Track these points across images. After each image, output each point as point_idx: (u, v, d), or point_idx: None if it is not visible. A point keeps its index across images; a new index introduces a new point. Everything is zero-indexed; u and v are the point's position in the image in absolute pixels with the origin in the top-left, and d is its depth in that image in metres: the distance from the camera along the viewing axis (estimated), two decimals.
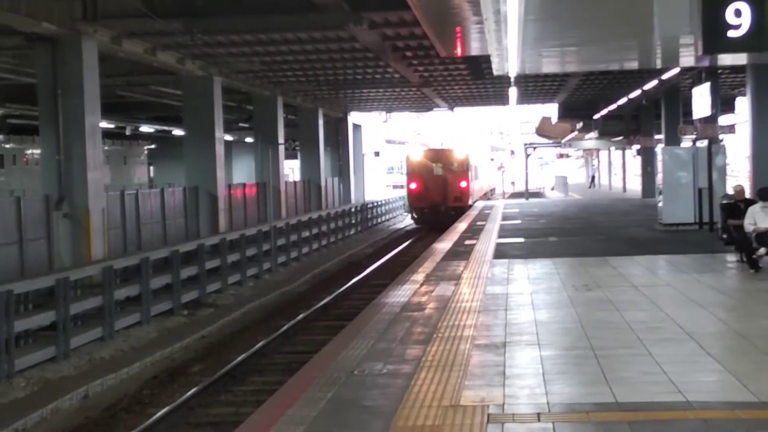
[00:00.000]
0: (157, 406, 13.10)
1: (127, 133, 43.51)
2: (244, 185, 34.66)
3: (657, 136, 45.73)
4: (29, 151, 38.41)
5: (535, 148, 64.28)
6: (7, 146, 37.49)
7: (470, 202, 45.54)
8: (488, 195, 64.49)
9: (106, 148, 37.10)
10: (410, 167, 45.35)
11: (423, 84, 35.98)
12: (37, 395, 13.57)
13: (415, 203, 45.11)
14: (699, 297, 12.95)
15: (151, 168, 53.43)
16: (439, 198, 43.65)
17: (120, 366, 15.36)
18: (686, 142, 36.76)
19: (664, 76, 31.83)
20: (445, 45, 20.17)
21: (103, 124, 26.18)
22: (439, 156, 45.53)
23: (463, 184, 44.23)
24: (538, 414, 7.16)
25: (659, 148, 29.29)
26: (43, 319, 15.60)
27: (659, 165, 25.85)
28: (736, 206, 16.38)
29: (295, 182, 42.23)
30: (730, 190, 18.98)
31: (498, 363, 9.00)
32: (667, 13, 15.37)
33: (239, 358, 15.61)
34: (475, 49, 20.62)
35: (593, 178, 79.15)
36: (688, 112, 26.59)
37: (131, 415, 12.76)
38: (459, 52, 20.08)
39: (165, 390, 14.16)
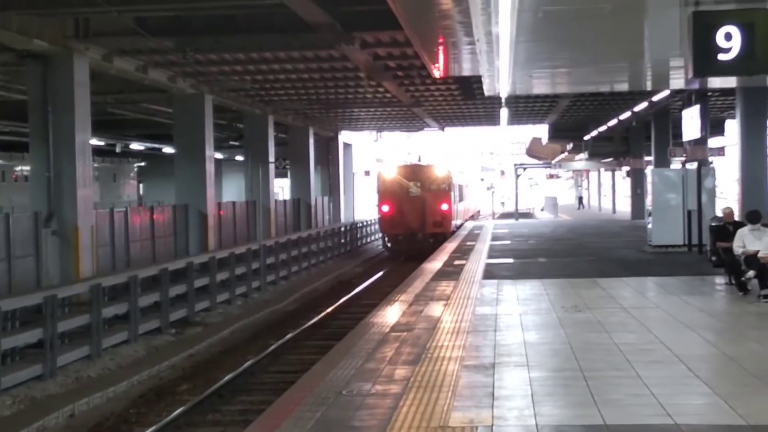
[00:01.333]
0: (144, 425, 13.02)
1: (118, 150, 43.45)
2: (234, 203, 34.61)
3: (647, 158, 45.89)
4: (18, 168, 38.33)
5: (525, 168, 64.33)
6: None
7: (453, 228, 40.13)
8: (474, 217, 60.97)
9: (95, 165, 37.04)
10: (382, 186, 39.36)
11: (414, 104, 36.05)
12: (23, 413, 13.48)
13: (388, 229, 39.15)
14: (688, 319, 12.95)
15: (141, 185, 53.36)
16: (416, 223, 38.07)
17: (107, 385, 15.27)
18: (676, 164, 36.89)
19: (655, 98, 31.97)
20: (436, 65, 20.22)
21: (94, 141, 26.13)
22: (415, 173, 39.49)
23: (444, 206, 38.46)
24: None
25: (649, 170, 29.38)
26: (30, 336, 15.52)
27: (649, 186, 25.93)
28: (725, 228, 16.41)
29: (285, 201, 42.21)
30: (719, 213, 19.02)
31: (487, 384, 8.97)
32: (657, 36, 15.45)
33: (227, 378, 15.54)
34: (466, 70, 20.67)
35: (581, 199, 79.33)
36: (678, 134, 26.73)
37: None
38: (441, 72, 20.03)
39: (152, 409, 14.09)
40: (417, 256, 31.09)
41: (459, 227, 42.91)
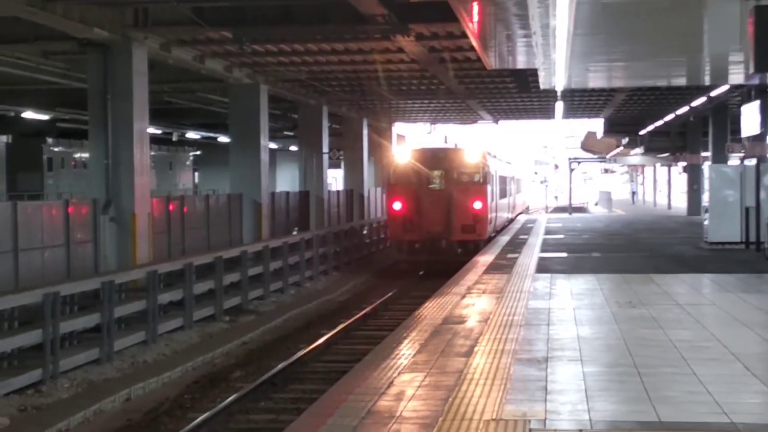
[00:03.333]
0: (198, 410, 13.19)
1: (174, 138, 43.95)
2: (287, 193, 34.82)
3: (704, 154, 45.31)
4: (77, 155, 38.91)
5: (579, 162, 63.86)
6: (56, 150, 38.02)
7: (489, 233, 30.16)
8: (524, 213, 54.50)
9: (152, 153, 37.48)
10: (393, 176, 29.74)
11: (468, 96, 35.94)
12: (80, 396, 13.72)
13: (400, 234, 29.07)
14: (745, 317, 12.80)
15: (196, 174, 53.89)
16: (439, 227, 28.53)
17: (162, 370, 15.48)
18: (734, 160, 36.39)
19: (713, 93, 31.55)
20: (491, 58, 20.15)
21: (151, 130, 26.43)
22: (439, 159, 29.56)
23: (477, 204, 28.68)
24: (581, 430, 7.12)
25: (706, 166, 29.04)
26: (88, 321, 15.77)
27: (706, 182, 25.63)
28: None
29: (338, 191, 42.31)
30: None
31: (540, 378, 8.96)
32: (717, 31, 15.28)
33: (280, 366, 15.67)
34: (521, 63, 20.60)
35: (634, 194, 78.53)
36: (737, 129, 26.44)
37: (172, 419, 12.85)
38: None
39: (206, 395, 14.26)
40: (439, 271, 24.91)
41: (500, 231, 34.03)
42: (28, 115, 34.25)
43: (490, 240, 29.65)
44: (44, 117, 35.40)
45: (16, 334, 14.08)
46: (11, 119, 35.39)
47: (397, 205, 29.09)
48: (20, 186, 35.02)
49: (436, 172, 29.27)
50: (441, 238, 28.52)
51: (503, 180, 36.23)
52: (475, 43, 18.14)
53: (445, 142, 38.37)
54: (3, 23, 20.58)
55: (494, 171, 31.83)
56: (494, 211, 31.35)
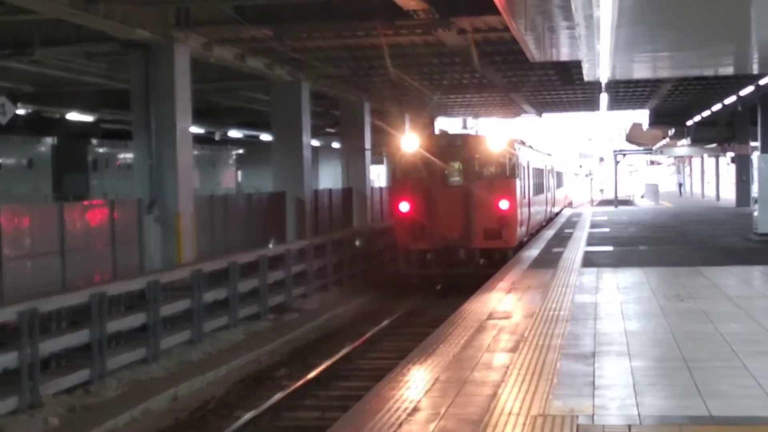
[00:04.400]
0: (244, 409, 13.20)
1: (217, 138, 44.17)
2: (330, 190, 34.84)
3: (753, 144, 44.63)
4: (121, 156, 39.26)
5: (624, 154, 63.27)
6: (100, 150, 38.38)
7: (520, 238, 25.18)
8: (565, 209, 49.70)
9: (195, 152, 37.74)
10: (400, 170, 24.79)
11: (511, 89, 35.71)
12: (127, 396, 13.80)
13: (408, 241, 24.05)
14: None
15: (239, 173, 54.14)
16: (456, 232, 23.65)
17: (208, 369, 15.53)
18: None
19: (761, 82, 31.02)
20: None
21: (194, 129, 26.55)
22: (456, 148, 24.54)
23: (503, 204, 23.75)
24: (629, 426, 7.00)
25: (755, 156, 28.59)
26: (134, 320, 15.84)
27: (755, 173, 25.24)
28: None
29: (381, 188, 42.24)
30: None
31: (587, 373, 8.83)
32: (765, 18, 14.98)
33: (325, 364, 15.64)
34: (564, 55, 20.37)
35: (681, 186, 77.72)
36: None
37: (219, 418, 12.87)
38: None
39: (252, 393, 14.27)
40: (459, 288, 20.72)
41: (536, 234, 29.36)
42: (73, 116, 34.63)
43: (521, 246, 24.52)
44: (88, 118, 35.76)
45: (63, 335, 14.18)
46: (56, 121, 35.80)
47: (403, 206, 23.85)
48: (66, 187, 35.40)
49: (453, 165, 24.13)
50: (459, 246, 23.44)
51: (539, 173, 31.64)
52: (517, 35, 17.99)
53: (464, 127, 28.95)
54: (46, 25, 20.78)
55: (526, 162, 26.95)
56: (526, 211, 26.37)
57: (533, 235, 28.75)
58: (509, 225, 23.70)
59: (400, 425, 7.21)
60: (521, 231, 25.13)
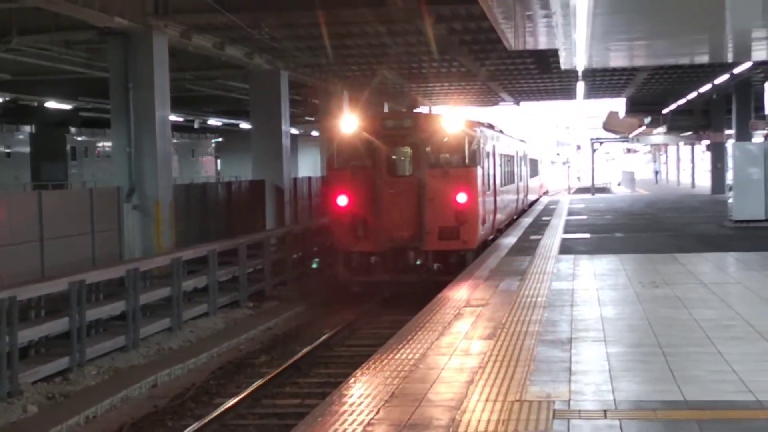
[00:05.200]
0: (224, 396, 13.27)
1: (196, 126, 44.11)
2: (309, 178, 34.88)
3: (727, 132, 45.00)
4: (100, 144, 39.12)
5: (601, 142, 63.60)
6: (79, 139, 38.24)
7: (483, 237, 21.64)
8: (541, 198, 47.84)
9: (175, 141, 37.64)
10: (338, 157, 20.80)
11: (489, 78, 35.82)
12: (107, 383, 13.83)
13: (348, 242, 20.21)
14: None
15: (219, 161, 54.05)
16: (405, 231, 19.94)
17: (188, 356, 15.57)
18: (758, 138, 36.14)
19: (736, 71, 31.29)
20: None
21: (173, 118, 26.51)
22: (405, 131, 20.48)
23: (461, 197, 20.13)
24: (605, 411, 7.11)
25: (730, 144, 28.86)
26: (113, 309, 15.87)
27: (729, 161, 25.49)
28: None
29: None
30: None
31: (564, 359, 8.95)
32: (739, 6, 15.13)
33: (304, 350, 15.73)
34: (542, 44, 20.49)
35: (657, 173, 78.22)
36: (760, 107, 26.24)
37: (198, 405, 12.94)
38: None
39: (231, 380, 14.34)
40: (408, 301, 18.00)
41: (504, 230, 25.85)
42: (51, 104, 34.48)
43: (485, 247, 21.20)
44: (67, 106, 35.62)
45: (43, 323, 14.20)
46: (34, 109, 35.66)
47: (341, 200, 19.96)
48: (44, 175, 35.26)
49: (401, 150, 20.41)
50: (408, 248, 19.76)
51: (508, 160, 28.23)
52: (494, 23, 18.09)
53: (416, 107, 23.74)
54: (24, 13, 20.71)
55: (491, 148, 23.20)
56: (492, 205, 22.84)
57: (501, 231, 25.49)
58: (469, 222, 19.91)
59: (378, 411, 7.30)
60: (484, 229, 21.39)
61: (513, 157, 30.11)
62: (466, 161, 20.37)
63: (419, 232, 19.77)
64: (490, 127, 25.45)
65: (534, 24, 17.71)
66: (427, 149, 20.14)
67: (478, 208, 20.40)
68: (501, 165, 25.51)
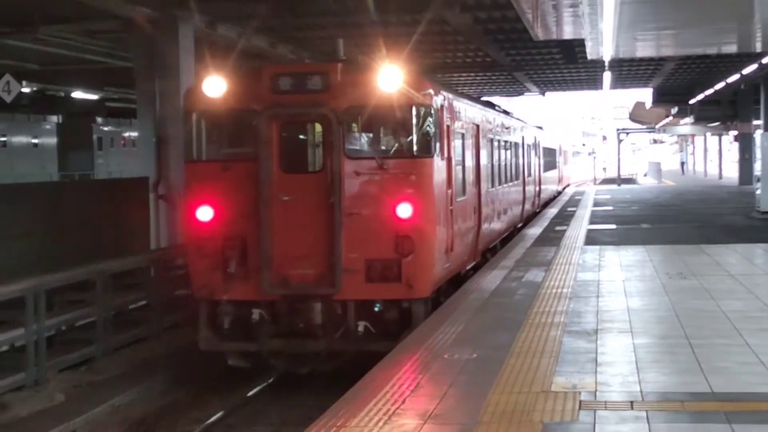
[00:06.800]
0: None
1: None
2: None
3: (756, 122, 44.60)
4: (126, 134, 39.29)
5: (628, 133, 63.26)
6: (106, 129, 38.43)
7: (441, 277, 12.70)
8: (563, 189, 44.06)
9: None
10: (195, 142, 12.55)
11: (515, 68, 35.66)
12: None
13: (212, 283, 11.94)
14: None
15: None
16: (309, 266, 11.82)
17: None
18: None
19: (765, 60, 30.98)
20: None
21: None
22: (309, 94, 11.93)
23: (403, 209, 11.67)
24: (631, 402, 7.05)
25: (758, 134, 28.58)
26: (136, 299, 15.64)
27: (757, 151, 25.24)
28: None
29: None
30: None
31: (590, 350, 8.89)
32: None
33: None
34: (568, 33, 20.36)
35: (683, 164, 77.75)
36: None
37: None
38: None
39: None
40: (317, 384, 12.09)
41: (493, 248, 18.64)
42: (78, 95, 34.62)
43: (457, 286, 13.74)
44: (93, 96, 35.76)
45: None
46: (61, 99, 35.81)
47: (203, 214, 12.12)
48: (71, 166, 35.47)
49: (304, 129, 12.59)
50: (313, 295, 11.85)
51: (508, 149, 20.96)
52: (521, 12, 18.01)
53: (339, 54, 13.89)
54: (48, 3, 20.76)
55: (468, 129, 15.25)
56: (467, 217, 14.75)
57: (494, 249, 18.60)
58: (418, 252, 11.69)
59: (404, 401, 7.27)
60: (451, 260, 13.10)
61: (517, 145, 22.92)
62: (415, 148, 11.95)
63: (332, 268, 11.61)
64: (490, 105, 19.85)
65: (560, 13, 17.61)
66: (350, 127, 12.02)
67: (436, 227, 12.12)
68: (491, 155, 17.99)
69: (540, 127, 33.71)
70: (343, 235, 11.59)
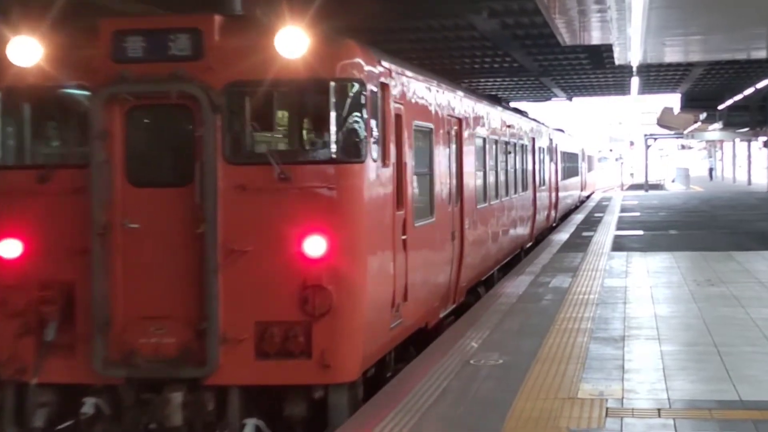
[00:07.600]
0: None
1: None
2: None
3: None
4: None
5: (655, 139, 62.96)
6: None
7: (379, 348, 8.37)
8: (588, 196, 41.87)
9: None
10: None
11: (542, 73, 35.60)
12: None
13: (19, 358, 7.78)
14: None
15: None
16: (171, 334, 7.64)
17: None
18: None
19: None
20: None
21: None
22: (169, 60, 7.71)
23: (314, 245, 7.52)
24: (659, 410, 7.01)
25: None
26: None
27: None
28: None
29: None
30: None
31: (617, 357, 8.85)
32: None
33: None
34: (596, 38, 20.32)
35: (712, 170, 77.32)
36: None
37: None
38: None
39: None
40: None
41: (494, 279, 15.58)
42: None
43: (422, 347, 9.87)
44: None
45: None
46: None
47: (6, 249, 8.04)
48: None
49: (162, 118, 8.22)
50: (174, 378, 7.66)
51: (514, 153, 17.88)
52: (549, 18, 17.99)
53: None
54: None
55: (441, 121, 11.45)
56: (432, 250, 10.61)
57: (479, 287, 14.08)
58: (337, 311, 7.62)
59: (429, 408, 7.27)
60: (390, 321, 8.66)
61: (525, 148, 19.57)
62: (333, 148, 7.88)
63: (201, 337, 7.71)
64: (493, 98, 17.09)
65: (588, 19, 17.56)
66: (233, 115, 7.91)
67: (368, 270, 8.07)
68: (484, 161, 14.54)
69: (561, 130, 30.27)
70: (221, 284, 7.60)
